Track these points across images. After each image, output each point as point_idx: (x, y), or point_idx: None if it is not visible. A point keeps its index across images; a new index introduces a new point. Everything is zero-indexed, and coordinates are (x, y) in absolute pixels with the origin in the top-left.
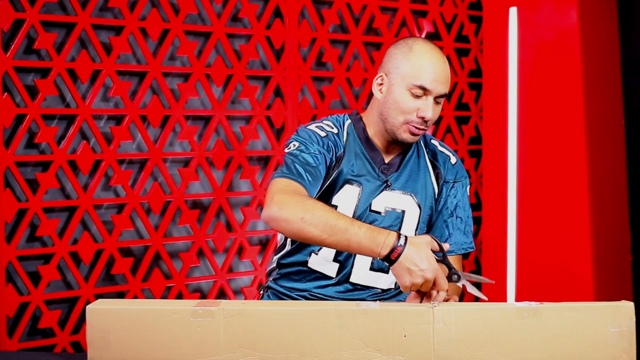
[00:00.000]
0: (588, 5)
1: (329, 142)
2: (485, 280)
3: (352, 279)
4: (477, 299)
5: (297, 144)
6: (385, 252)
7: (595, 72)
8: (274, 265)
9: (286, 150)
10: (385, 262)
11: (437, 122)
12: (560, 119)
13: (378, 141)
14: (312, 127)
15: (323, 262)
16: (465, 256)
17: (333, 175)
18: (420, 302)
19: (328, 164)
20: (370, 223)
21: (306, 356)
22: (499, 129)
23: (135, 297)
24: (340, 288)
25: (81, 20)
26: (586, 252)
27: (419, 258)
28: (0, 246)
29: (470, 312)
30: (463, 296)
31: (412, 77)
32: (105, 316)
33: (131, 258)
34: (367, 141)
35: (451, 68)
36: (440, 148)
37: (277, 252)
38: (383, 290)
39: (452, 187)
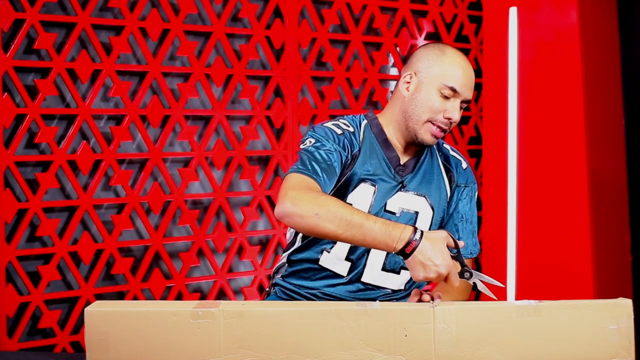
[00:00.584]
0: (588, 5)
1: (345, 140)
2: (496, 282)
3: (364, 279)
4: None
5: (312, 140)
6: (400, 246)
7: (595, 72)
8: (284, 260)
9: (301, 146)
10: (400, 256)
11: None
12: (560, 119)
13: (396, 141)
14: (329, 124)
15: (335, 260)
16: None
17: (348, 174)
18: (420, 299)
19: (343, 161)
20: None
21: (307, 357)
22: (499, 129)
23: (135, 297)
24: (352, 287)
25: (81, 20)
26: (586, 252)
27: (434, 253)
28: (0, 246)
29: (471, 311)
30: (479, 294)
31: (444, 78)
32: (104, 318)
33: (131, 258)
34: (384, 142)
35: None
36: (452, 152)
37: (287, 248)
38: (393, 291)
39: (463, 191)
